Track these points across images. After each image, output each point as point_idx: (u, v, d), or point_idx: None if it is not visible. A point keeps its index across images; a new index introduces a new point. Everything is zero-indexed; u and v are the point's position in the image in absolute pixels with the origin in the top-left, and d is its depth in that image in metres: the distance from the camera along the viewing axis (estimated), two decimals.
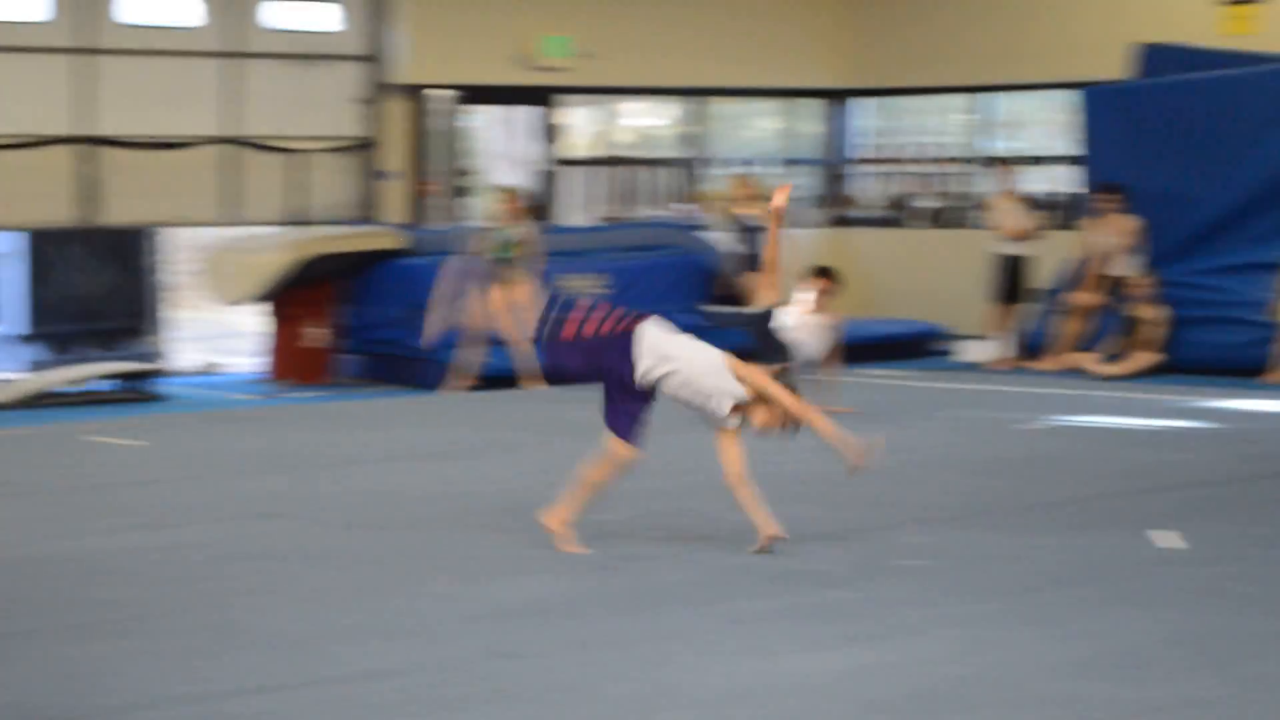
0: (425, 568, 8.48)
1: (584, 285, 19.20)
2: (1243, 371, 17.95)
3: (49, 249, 17.47)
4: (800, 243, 21.31)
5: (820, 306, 14.29)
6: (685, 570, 8.36)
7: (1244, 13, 20.71)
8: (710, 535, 9.16)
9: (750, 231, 19.82)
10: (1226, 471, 11.48)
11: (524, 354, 16.92)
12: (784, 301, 13.84)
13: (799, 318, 13.92)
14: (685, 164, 23.63)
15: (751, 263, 19.69)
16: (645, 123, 24.66)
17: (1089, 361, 18.52)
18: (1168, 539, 9.07)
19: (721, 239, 20.10)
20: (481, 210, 20.98)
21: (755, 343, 12.95)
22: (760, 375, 8.81)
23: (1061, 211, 21.72)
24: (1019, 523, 9.69)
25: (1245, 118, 18.77)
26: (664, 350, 8.77)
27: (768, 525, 8.74)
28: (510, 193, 18.16)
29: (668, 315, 19.52)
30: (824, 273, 14.59)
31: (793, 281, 14.53)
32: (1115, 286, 18.96)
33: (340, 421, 14.68)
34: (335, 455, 12.47)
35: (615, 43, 22.36)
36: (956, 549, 8.88)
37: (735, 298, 19.72)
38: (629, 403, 8.81)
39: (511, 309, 17.07)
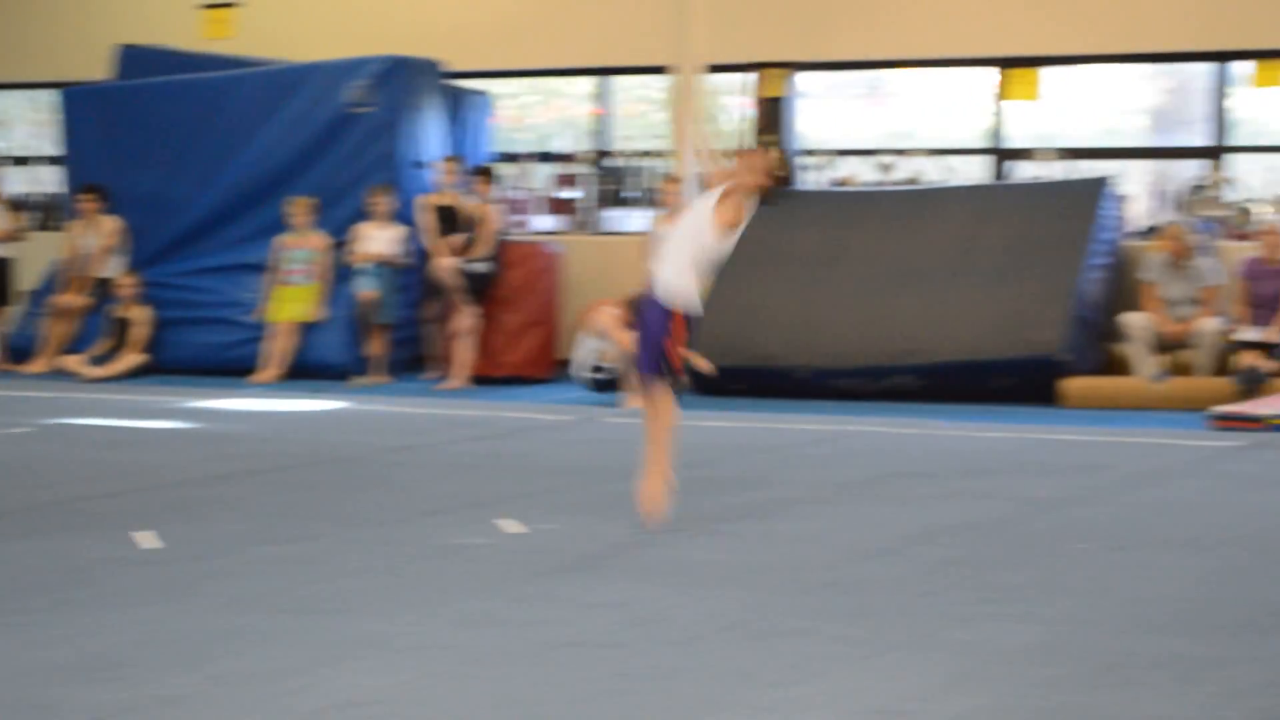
0: None
1: None
2: (231, 371, 18.34)
3: None
4: None
5: None
6: None
7: (222, 16, 21.12)
8: None
9: None
10: (207, 470, 11.69)
11: None
12: None
13: None
14: None
15: None
16: None
17: (76, 363, 18.46)
18: (148, 539, 9.16)
19: None
20: None
21: None
22: None
23: (45, 212, 21.54)
24: None
25: (226, 121, 19.15)
26: None
27: None
28: None
29: None
30: None
31: None
32: (101, 288, 18.99)
33: None
34: None
35: None
36: None
37: None
38: None
39: None
